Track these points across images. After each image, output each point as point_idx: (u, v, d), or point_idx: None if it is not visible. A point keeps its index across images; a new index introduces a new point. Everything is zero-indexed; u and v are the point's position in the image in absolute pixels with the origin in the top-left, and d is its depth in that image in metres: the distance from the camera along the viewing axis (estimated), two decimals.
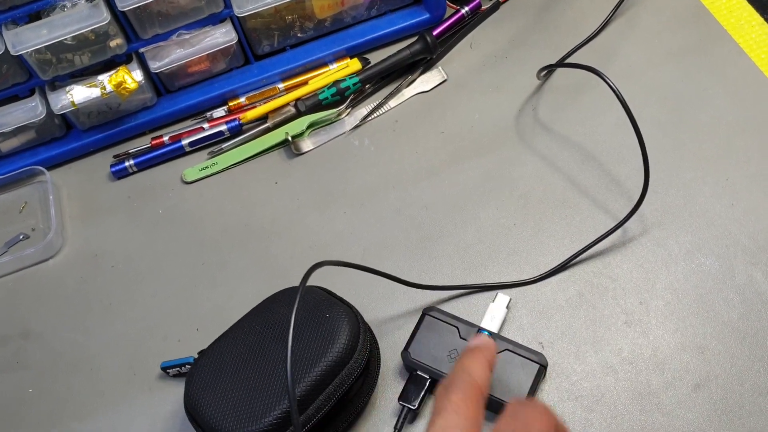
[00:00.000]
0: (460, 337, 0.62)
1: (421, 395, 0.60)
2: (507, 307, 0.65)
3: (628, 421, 0.60)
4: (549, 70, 0.78)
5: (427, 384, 0.61)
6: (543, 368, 0.60)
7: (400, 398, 0.61)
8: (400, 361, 0.64)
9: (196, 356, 0.62)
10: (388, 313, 0.67)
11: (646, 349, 0.63)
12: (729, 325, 0.63)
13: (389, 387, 0.63)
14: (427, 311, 0.63)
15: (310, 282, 0.65)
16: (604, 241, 0.68)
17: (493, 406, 0.60)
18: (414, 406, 0.60)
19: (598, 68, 0.68)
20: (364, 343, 0.59)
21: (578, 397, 0.61)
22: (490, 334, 0.62)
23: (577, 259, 0.68)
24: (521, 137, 0.76)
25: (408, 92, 0.81)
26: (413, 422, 0.61)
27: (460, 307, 0.67)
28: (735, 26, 0.81)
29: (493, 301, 0.65)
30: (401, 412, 0.60)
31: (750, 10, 0.82)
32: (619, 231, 0.68)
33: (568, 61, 0.79)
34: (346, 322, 0.59)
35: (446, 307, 0.66)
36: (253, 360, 0.58)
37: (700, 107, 0.76)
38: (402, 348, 0.63)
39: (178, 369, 0.66)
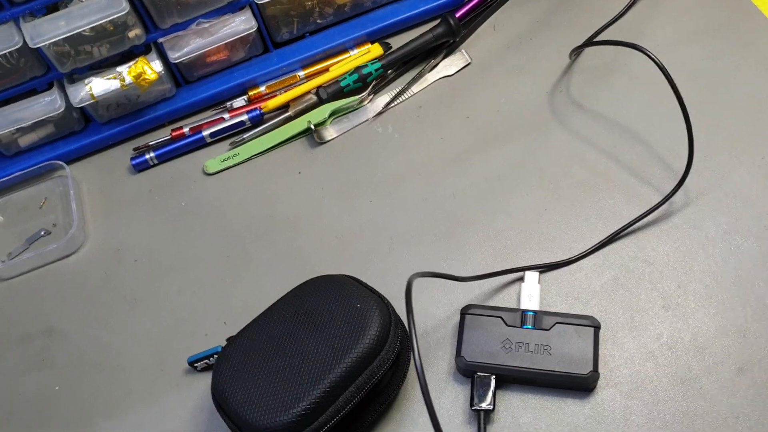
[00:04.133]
0: (508, 325, 0.60)
1: (490, 394, 0.59)
2: (538, 282, 0.64)
3: (670, 407, 0.58)
4: (581, 49, 0.76)
5: (493, 381, 0.59)
6: (597, 329, 0.59)
7: (471, 405, 0.59)
8: (438, 354, 0.63)
9: (225, 343, 0.61)
10: (423, 307, 0.66)
11: (686, 333, 0.61)
12: None
13: (443, 390, 0.62)
14: (464, 311, 0.62)
15: (340, 271, 0.64)
16: (638, 223, 0.67)
17: (562, 382, 0.59)
18: (490, 407, 0.58)
19: None
20: (395, 335, 0.58)
21: (617, 384, 0.60)
22: (535, 313, 0.60)
23: (612, 243, 0.66)
24: (548, 120, 0.75)
25: (431, 77, 0.79)
26: (491, 423, 0.59)
27: (492, 296, 0.65)
28: (765, 1, 0.79)
29: (524, 281, 0.64)
30: (479, 417, 0.58)
31: None
32: (653, 213, 0.67)
33: (596, 39, 0.77)
34: (378, 313, 0.58)
35: (478, 299, 0.65)
36: (282, 348, 0.57)
37: (731, 85, 0.74)
38: (427, 338, 0.62)
39: (206, 362, 0.65)
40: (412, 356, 0.50)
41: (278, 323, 0.59)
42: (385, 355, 0.57)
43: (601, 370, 0.60)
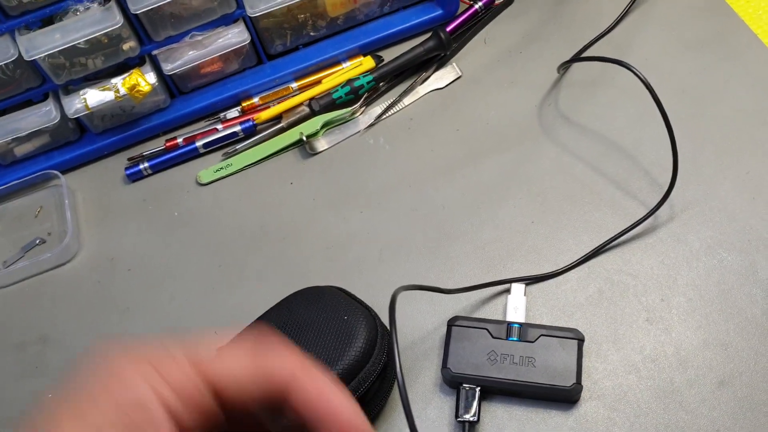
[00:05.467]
0: (493, 337, 0.61)
1: (475, 405, 0.59)
2: (524, 294, 0.65)
3: (652, 419, 0.59)
4: (569, 64, 0.77)
5: (478, 393, 0.60)
6: (581, 342, 0.60)
7: (457, 416, 0.59)
8: (424, 365, 0.63)
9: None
10: (411, 318, 0.67)
11: (669, 346, 0.62)
12: (753, 321, 0.62)
13: (429, 401, 0.62)
14: (451, 323, 0.62)
15: (331, 281, 0.65)
16: (623, 237, 0.67)
17: (546, 394, 0.60)
18: (475, 418, 0.59)
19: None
20: (381, 347, 0.59)
21: (600, 396, 0.60)
22: (520, 325, 0.61)
23: (597, 256, 0.67)
24: (538, 133, 0.76)
25: (422, 89, 0.80)
26: None
27: (479, 308, 0.66)
28: (753, 16, 0.80)
29: (510, 293, 0.65)
30: (464, 429, 0.59)
31: None
32: (638, 227, 0.68)
33: (585, 54, 0.78)
34: (364, 325, 0.59)
35: (466, 310, 0.66)
36: None
37: (718, 99, 0.75)
38: (415, 349, 0.62)
39: None
40: (395, 368, 0.51)
41: None
42: (371, 367, 0.58)
43: (584, 382, 0.61)
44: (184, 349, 0.25)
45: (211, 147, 0.79)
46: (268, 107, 0.81)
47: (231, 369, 0.26)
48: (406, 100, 0.80)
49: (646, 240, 0.68)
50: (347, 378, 0.57)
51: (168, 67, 0.76)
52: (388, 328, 0.53)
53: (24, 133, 0.75)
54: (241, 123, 0.79)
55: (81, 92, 0.75)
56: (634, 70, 0.66)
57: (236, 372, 0.26)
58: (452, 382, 0.61)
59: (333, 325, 0.59)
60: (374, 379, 0.58)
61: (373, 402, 0.60)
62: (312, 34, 0.81)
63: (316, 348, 0.58)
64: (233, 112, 0.81)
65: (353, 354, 0.57)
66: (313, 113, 0.79)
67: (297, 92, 0.82)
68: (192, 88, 0.81)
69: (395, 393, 0.62)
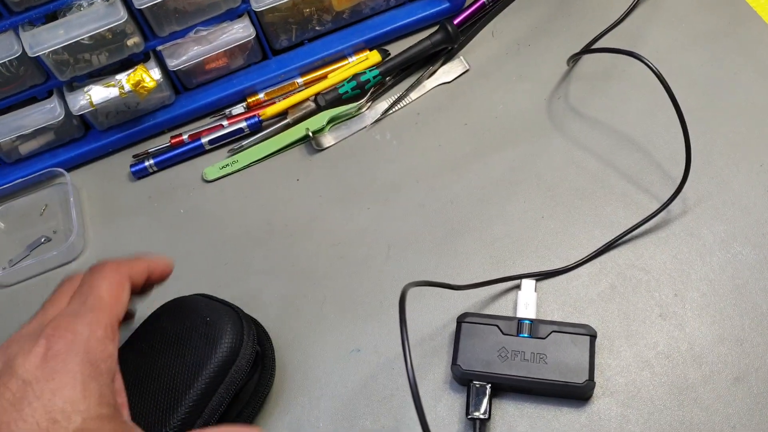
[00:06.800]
0: (504, 334, 0.60)
1: (486, 403, 0.58)
2: (535, 290, 0.64)
3: (666, 416, 0.58)
4: (579, 56, 0.76)
5: (488, 390, 0.59)
6: (593, 338, 0.59)
7: (467, 414, 0.59)
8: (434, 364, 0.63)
9: None
10: (420, 315, 0.66)
11: (683, 342, 0.61)
12: None
13: (439, 398, 0.62)
14: (461, 319, 0.62)
15: (337, 278, 0.64)
16: (635, 231, 0.66)
17: (558, 391, 0.59)
18: (485, 415, 0.58)
19: None
20: (249, 339, 0.59)
21: (613, 393, 0.59)
22: (531, 322, 0.60)
23: (609, 250, 0.66)
24: (547, 127, 0.75)
25: (429, 84, 0.79)
26: None
27: (489, 304, 0.65)
28: (764, 6, 0.79)
29: (520, 289, 0.64)
30: (474, 426, 0.58)
31: None
32: (651, 221, 0.67)
33: (595, 46, 0.77)
34: (228, 322, 0.58)
35: (475, 307, 0.65)
36: (145, 371, 0.57)
37: (730, 91, 0.74)
38: (424, 346, 0.61)
39: None
40: (405, 365, 0.50)
41: (137, 353, 0.59)
42: (241, 362, 0.57)
43: (597, 378, 0.60)
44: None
45: (217, 143, 0.78)
46: (274, 103, 0.80)
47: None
48: (413, 95, 0.79)
49: (658, 234, 0.67)
50: (218, 377, 0.56)
51: (173, 63, 0.75)
52: (399, 324, 0.52)
53: (28, 131, 0.75)
54: (246, 119, 0.78)
55: (85, 89, 0.74)
56: (646, 61, 0.65)
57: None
58: (462, 379, 0.60)
59: (197, 329, 0.58)
60: (249, 373, 0.58)
61: (256, 394, 0.60)
62: (317, 28, 0.81)
63: (184, 354, 0.57)
64: (239, 108, 0.81)
65: (221, 353, 0.56)
66: (319, 109, 0.78)
67: (303, 88, 0.81)
68: (197, 84, 0.81)
69: (404, 391, 0.61)
